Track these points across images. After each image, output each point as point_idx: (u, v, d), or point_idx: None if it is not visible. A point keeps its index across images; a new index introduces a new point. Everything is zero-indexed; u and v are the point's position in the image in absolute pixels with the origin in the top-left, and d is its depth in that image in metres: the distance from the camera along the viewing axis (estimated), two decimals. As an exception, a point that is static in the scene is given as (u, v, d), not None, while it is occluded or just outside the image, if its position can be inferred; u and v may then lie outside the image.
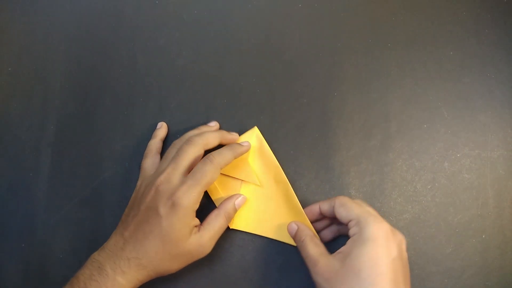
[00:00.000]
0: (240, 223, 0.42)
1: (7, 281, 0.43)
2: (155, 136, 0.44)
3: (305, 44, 0.46)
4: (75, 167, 0.45)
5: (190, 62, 0.47)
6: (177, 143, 0.41)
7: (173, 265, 0.37)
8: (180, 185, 0.36)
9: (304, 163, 0.44)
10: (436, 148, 0.44)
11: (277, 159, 0.43)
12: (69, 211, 0.44)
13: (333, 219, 0.40)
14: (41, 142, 0.46)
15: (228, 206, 0.40)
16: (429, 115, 0.44)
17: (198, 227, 0.38)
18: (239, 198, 0.41)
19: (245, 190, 0.42)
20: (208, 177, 0.36)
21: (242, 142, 0.42)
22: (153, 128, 0.45)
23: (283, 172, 0.42)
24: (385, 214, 0.43)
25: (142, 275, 0.36)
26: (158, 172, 0.38)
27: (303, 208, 0.40)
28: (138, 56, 0.47)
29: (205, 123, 0.45)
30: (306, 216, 0.40)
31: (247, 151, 0.41)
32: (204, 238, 0.37)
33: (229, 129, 0.45)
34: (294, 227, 0.40)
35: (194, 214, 0.37)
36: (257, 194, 0.42)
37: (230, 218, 0.39)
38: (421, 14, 0.46)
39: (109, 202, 0.44)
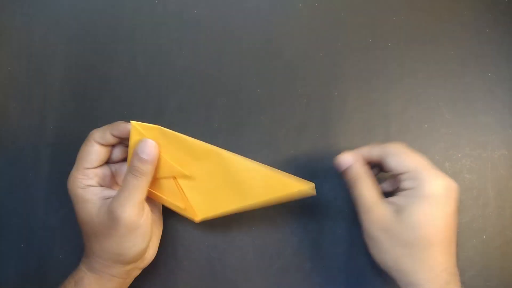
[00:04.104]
0: (203, 212, 0.38)
1: (6, 281, 0.43)
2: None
3: (305, 44, 0.46)
4: (74, 167, 0.45)
5: (190, 62, 0.46)
6: None
7: (107, 246, 0.34)
8: None
9: (304, 163, 0.44)
10: (437, 148, 0.44)
11: (277, 159, 0.42)
12: (68, 211, 0.44)
13: (376, 169, 0.37)
14: (40, 142, 0.46)
15: (133, 161, 0.35)
16: (430, 115, 0.44)
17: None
18: (142, 146, 0.35)
19: (183, 183, 0.38)
20: (82, 152, 0.36)
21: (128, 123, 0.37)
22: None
23: (202, 142, 0.37)
24: (385, 215, 0.42)
25: (94, 263, 0.35)
26: None
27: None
28: (137, 56, 0.47)
29: (205, 123, 0.45)
30: (263, 167, 0.36)
31: (127, 128, 0.36)
32: (113, 204, 0.34)
33: (229, 129, 0.45)
34: (349, 160, 0.35)
35: (92, 188, 0.35)
36: (198, 180, 0.38)
37: (141, 172, 0.34)
38: (421, 14, 0.46)
39: (108, 202, 0.44)
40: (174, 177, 0.38)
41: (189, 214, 0.39)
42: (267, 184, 0.36)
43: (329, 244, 0.41)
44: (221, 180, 0.37)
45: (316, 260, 0.42)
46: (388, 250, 0.32)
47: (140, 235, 0.35)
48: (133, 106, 0.46)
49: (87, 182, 0.36)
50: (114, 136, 0.36)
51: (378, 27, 0.46)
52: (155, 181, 0.38)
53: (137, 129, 0.37)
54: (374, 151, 0.35)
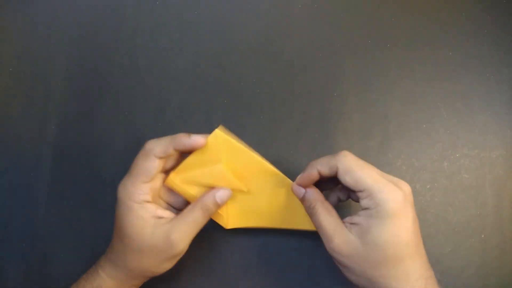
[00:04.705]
0: (236, 221, 0.39)
1: (9, 280, 0.44)
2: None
3: (305, 44, 0.46)
4: (75, 167, 0.45)
5: (191, 62, 0.47)
6: None
7: (145, 263, 0.35)
8: None
9: (304, 163, 0.43)
10: (435, 148, 0.44)
11: (277, 159, 0.42)
12: (70, 211, 0.45)
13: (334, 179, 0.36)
14: (42, 143, 0.46)
15: (207, 198, 0.36)
16: (428, 115, 0.44)
17: (169, 220, 0.35)
18: (220, 191, 0.36)
19: (232, 195, 0.38)
20: (141, 167, 0.35)
21: (194, 137, 0.35)
22: (154, 128, 0.45)
23: (270, 165, 0.38)
24: (384, 214, 0.43)
25: (121, 273, 0.36)
26: None
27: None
28: (138, 56, 0.47)
29: (205, 123, 0.45)
30: None
31: (194, 145, 0.35)
32: (173, 232, 0.34)
33: (229, 129, 0.45)
34: (301, 190, 0.36)
35: (147, 205, 0.35)
36: (247, 197, 0.39)
37: (208, 212, 0.36)
38: (420, 15, 0.46)
39: (109, 202, 0.44)
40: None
41: (222, 220, 0.39)
42: (306, 214, 0.37)
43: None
44: (267, 198, 0.39)
45: (316, 259, 0.42)
46: (360, 273, 0.32)
47: (179, 258, 0.37)
48: (133, 106, 0.46)
49: (144, 197, 0.35)
50: (177, 150, 0.35)
51: (377, 28, 0.46)
52: (206, 190, 0.38)
53: (216, 138, 0.37)
54: (323, 168, 0.34)
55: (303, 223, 0.39)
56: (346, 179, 0.32)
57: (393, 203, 0.31)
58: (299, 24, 0.47)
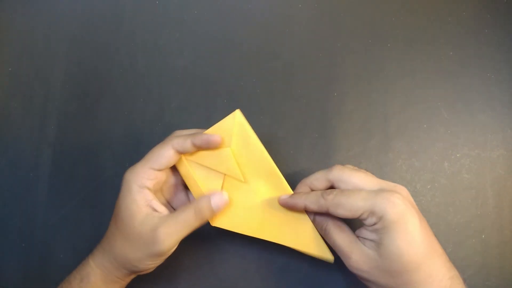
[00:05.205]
0: (223, 220, 0.38)
1: (8, 280, 0.44)
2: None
3: (305, 44, 0.46)
4: (75, 167, 0.45)
5: (191, 62, 0.47)
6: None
7: (129, 253, 0.35)
8: None
9: (304, 163, 0.44)
10: (436, 148, 0.44)
11: (276, 159, 0.42)
12: (69, 211, 0.45)
13: None
14: (41, 142, 0.46)
15: (202, 202, 0.35)
16: (429, 115, 0.44)
17: (162, 215, 0.35)
18: (217, 197, 0.36)
19: (228, 185, 0.37)
20: (155, 153, 0.35)
21: (211, 135, 0.35)
22: (154, 128, 0.45)
23: (274, 164, 0.37)
24: (384, 214, 0.43)
25: (106, 261, 0.36)
26: None
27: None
28: (138, 56, 0.47)
29: (205, 123, 0.45)
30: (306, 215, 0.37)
31: (211, 141, 0.35)
32: (161, 227, 0.34)
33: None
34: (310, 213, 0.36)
35: (146, 191, 0.35)
36: (243, 191, 0.37)
37: (201, 215, 0.35)
38: (420, 15, 0.46)
39: (109, 202, 0.44)
40: (225, 175, 0.37)
41: None
42: (299, 233, 0.37)
43: (328, 244, 0.41)
44: (262, 204, 0.37)
45: (316, 260, 0.42)
46: (384, 284, 0.32)
47: (163, 259, 0.36)
48: (133, 106, 0.46)
49: (145, 182, 0.35)
50: (195, 145, 0.35)
51: (377, 28, 0.46)
52: (206, 170, 0.37)
53: (234, 119, 0.37)
54: (311, 207, 0.34)
55: (291, 241, 0.37)
56: (340, 213, 0.33)
57: (393, 211, 0.31)
58: (299, 24, 0.47)
